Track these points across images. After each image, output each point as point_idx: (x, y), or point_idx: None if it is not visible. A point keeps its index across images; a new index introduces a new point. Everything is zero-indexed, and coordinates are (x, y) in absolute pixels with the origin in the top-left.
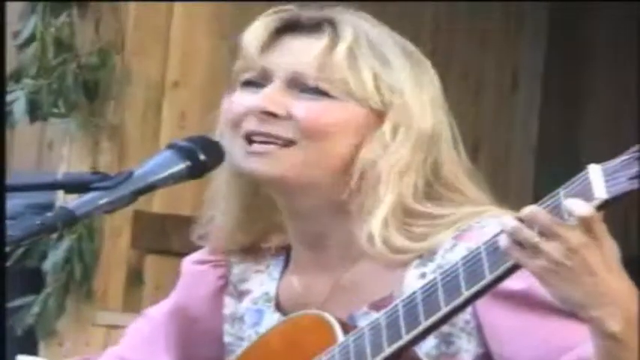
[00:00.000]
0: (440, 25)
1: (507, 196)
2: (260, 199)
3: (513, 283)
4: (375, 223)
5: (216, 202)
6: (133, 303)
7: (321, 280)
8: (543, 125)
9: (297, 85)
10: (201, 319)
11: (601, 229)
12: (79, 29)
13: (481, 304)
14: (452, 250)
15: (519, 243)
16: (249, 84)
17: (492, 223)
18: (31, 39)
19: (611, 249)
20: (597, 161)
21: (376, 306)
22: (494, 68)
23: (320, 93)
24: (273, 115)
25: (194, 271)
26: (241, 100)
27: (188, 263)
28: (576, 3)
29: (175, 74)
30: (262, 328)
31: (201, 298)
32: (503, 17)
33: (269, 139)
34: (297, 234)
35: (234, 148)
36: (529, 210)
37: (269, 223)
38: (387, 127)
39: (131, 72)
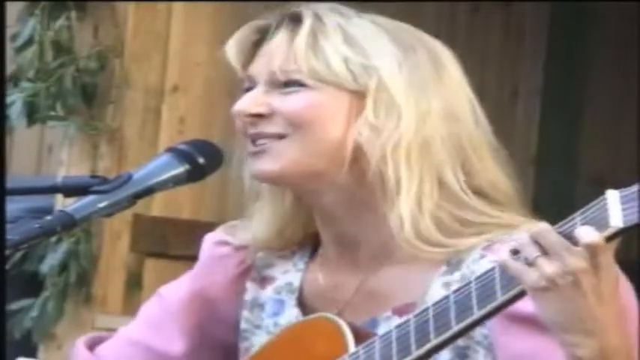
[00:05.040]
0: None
1: None
2: (298, 209)
3: (525, 305)
4: (405, 203)
5: (255, 210)
6: (132, 306)
7: (348, 280)
8: (543, 136)
9: (276, 83)
10: (218, 304)
11: (606, 259)
12: (78, 32)
13: (494, 323)
14: (478, 262)
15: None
16: (246, 90)
17: None
18: (30, 42)
19: (609, 280)
20: (596, 171)
21: (400, 311)
22: (493, 79)
23: (296, 85)
24: (258, 115)
25: (214, 254)
26: (234, 107)
27: (209, 244)
28: (576, 15)
29: (174, 79)
30: (282, 320)
31: (219, 283)
32: (503, 29)
33: (263, 138)
34: (328, 235)
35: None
36: (540, 227)
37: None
38: (368, 107)
39: (130, 76)
